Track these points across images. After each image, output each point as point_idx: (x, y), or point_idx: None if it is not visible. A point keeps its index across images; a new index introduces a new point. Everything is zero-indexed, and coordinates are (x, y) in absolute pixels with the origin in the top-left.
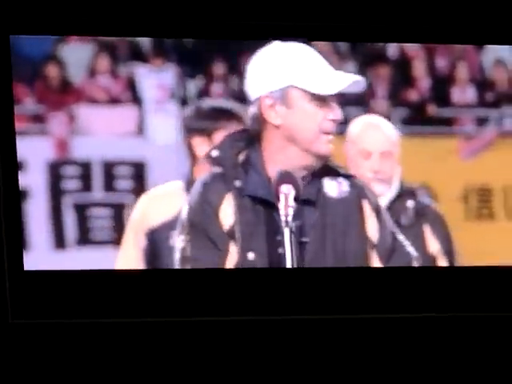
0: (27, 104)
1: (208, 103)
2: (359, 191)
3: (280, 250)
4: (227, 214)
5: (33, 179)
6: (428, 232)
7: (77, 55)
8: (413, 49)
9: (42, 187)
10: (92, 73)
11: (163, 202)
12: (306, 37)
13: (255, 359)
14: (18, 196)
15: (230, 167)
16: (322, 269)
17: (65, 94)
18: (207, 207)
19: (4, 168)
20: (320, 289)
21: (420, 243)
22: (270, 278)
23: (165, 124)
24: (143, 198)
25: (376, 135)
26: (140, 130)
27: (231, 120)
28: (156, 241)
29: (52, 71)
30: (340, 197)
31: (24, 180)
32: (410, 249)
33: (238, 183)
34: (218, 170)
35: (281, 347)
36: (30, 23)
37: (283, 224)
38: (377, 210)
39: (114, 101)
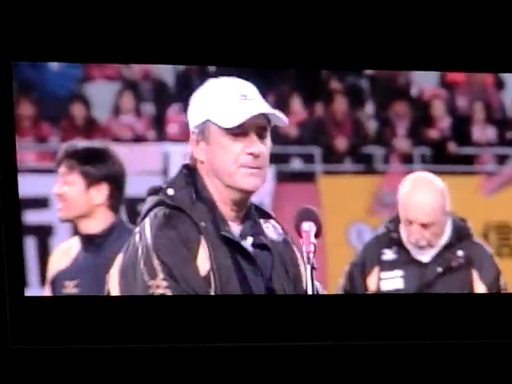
0: (52, 142)
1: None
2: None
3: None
4: (203, 259)
5: (56, 216)
6: (476, 276)
7: (101, 93)
8: (434, 88)
9: (66, 224)
10: (116, 111)
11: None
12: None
13: None
14: (20, 226)
15: (189, 206)
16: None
17: (89, 132)
18: (183, 250)
19: (6, 199)
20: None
21: (467, 287)
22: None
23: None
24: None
25: (422, 202)
26: (164, 167)
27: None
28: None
29: (77, 110)
30: (280, 239)
31: (47, 217)
32: None
33: (203, 224)
34: (177, 209)
35: (278, 375)
36: (32, 50)
37: (305, 260)
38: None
39: (138, 139)
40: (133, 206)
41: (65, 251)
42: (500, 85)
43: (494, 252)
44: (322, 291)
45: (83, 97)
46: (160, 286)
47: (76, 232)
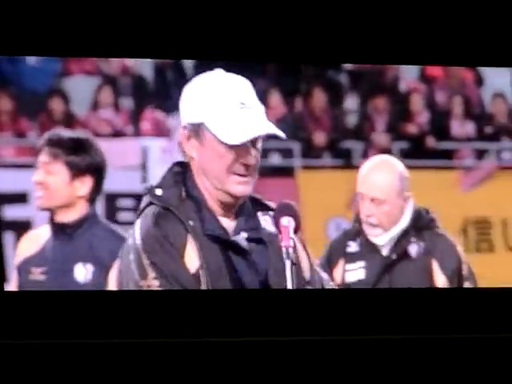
0: (30, 137)
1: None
2: None
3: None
4: (191, 256)
5: (35, 211)
6: (436, 266)
7: (80, 88)
8: (412, 82)
9: (44, 219)
10: (95, 106)
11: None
12: (297, 60)
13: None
14: None
15: (179, 206)
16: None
17: (68, 127)
18: (171, 249)
19: None
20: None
21: (427, 277)
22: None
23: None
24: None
25: (376, 178)
26: (143, 162)
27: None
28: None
29: (55, 104)
30: (276, 232)
31: (26, 212)
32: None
33: (191, 223)
34: (165, 209)
35: (271, 369)
36: (9, 44)
37: (284, 255)
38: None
39: (117, 134)
40: (112, 200)
41: (33, 238)
42: (479, 81)
43: (473, 247)
44: (330, 284)
45: (62, 92)
46: (151, 286)
47: (50, 220)
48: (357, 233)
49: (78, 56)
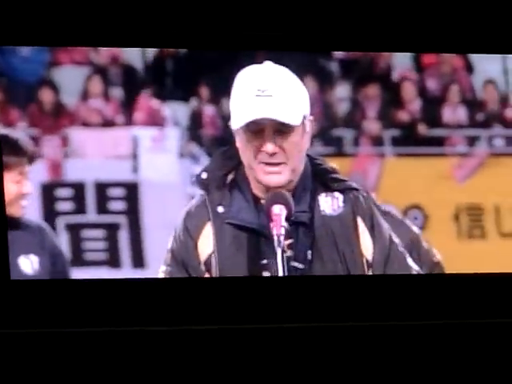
0: (20, 128)
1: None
2: (354, 205)
3: (265, 274)
4: (206, 243)
5: (26, 201)
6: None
7: (70, 78)
8: (404, 70)
9: (36, 209)
10: (85, 96)
11: None
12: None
13: (244, 369)
14: (3, 208)
15: (216, 190)
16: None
17: (58, 118)
18: (187, 237)
19: None
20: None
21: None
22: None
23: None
24: None
25: None
26: (133, 152)
27: (19, 156)
28: None
29: (45, 95)
30: (336, 214)
31: None
32: (409, 260)
33: (220, 209)
34: (203, 195)
35: (273, 356)
36: (14, 34)
37: (275, 243)
38: (371, 224)
39: (107, 124)
40: (102, 190)
41: None
42: (470, 68)
43: (466, 234)
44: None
45: (51, 82)
46: (163, 272)
47: None
48: None
49: (68, 45)
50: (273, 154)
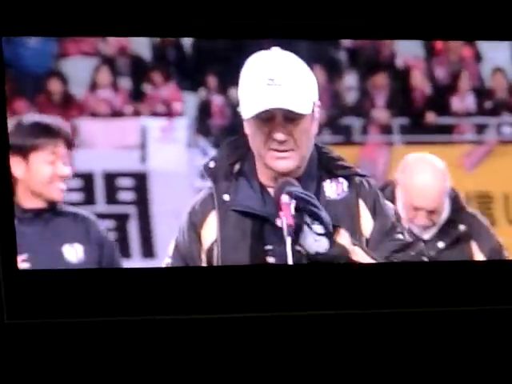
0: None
1: (29, 119)
2: (358, 190)
3: (269, 260)
4: (209, 231)
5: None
6: (475, 247)
7: (78, 69)
8: (412, 58)
9: None
10: (93, 87)
11: None
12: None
13: (244, 358)
14: (11, 198)
15: (223, 179)
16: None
17: (66, 108)
18: (191, 232)
19: None
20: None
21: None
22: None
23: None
24: None
25: (425, 187)
26: (142, 142)
27: (51, 137)
28: None
29: (53, 86)
30: (339, 198)
31: None
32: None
33: (226, 197)
34: (210, 188)
35: (276, 345)
36: (22, 25)
37: (285, 233)
38: (373, 207)
39: (115, 114)
40: (111, 180)
41: None
42: (478, 56)
43: None
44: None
45: (60, 73)
46: (167, 265)
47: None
48: None
49: (76, 36)
50: (283, 142)
